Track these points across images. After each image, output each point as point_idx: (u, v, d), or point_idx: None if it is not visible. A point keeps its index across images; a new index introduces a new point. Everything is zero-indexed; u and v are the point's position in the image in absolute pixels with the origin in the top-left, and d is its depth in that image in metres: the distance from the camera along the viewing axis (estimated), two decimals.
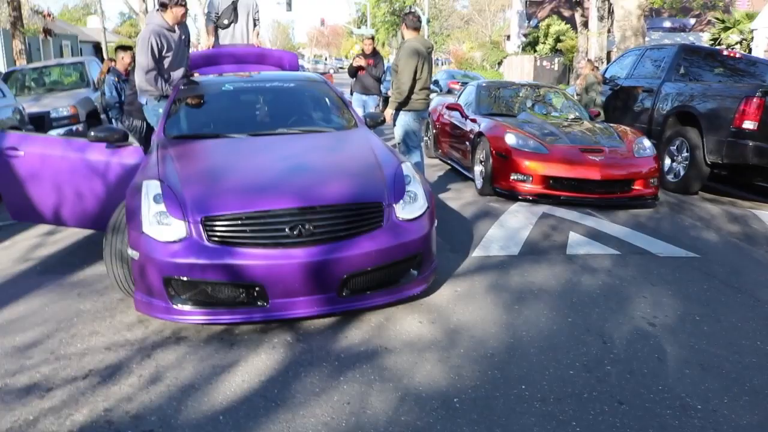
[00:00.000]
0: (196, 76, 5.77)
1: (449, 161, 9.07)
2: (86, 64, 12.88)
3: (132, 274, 3.70)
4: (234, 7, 7.72)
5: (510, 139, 6.87)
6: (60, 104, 10.92)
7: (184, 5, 5.57)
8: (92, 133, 4.74)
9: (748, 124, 6.96)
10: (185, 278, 3.41)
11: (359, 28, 65.18)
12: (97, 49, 39.56)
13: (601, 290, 4.30)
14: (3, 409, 2.87)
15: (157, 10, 5.63)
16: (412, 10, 8.88)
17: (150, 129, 6.61)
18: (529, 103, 8.87)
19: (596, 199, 6.58)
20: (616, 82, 10.03)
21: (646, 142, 7.22)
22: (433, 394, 2.95)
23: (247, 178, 3.85)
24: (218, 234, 3.45)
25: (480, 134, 7.44)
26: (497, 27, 49.22)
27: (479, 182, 7.35)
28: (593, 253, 5.08)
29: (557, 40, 32.85)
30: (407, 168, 4.11)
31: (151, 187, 3.68)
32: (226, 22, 7.73)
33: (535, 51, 34.48)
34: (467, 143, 7.96)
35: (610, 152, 6.81)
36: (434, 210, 4.01)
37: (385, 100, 16.61)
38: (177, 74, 5.63)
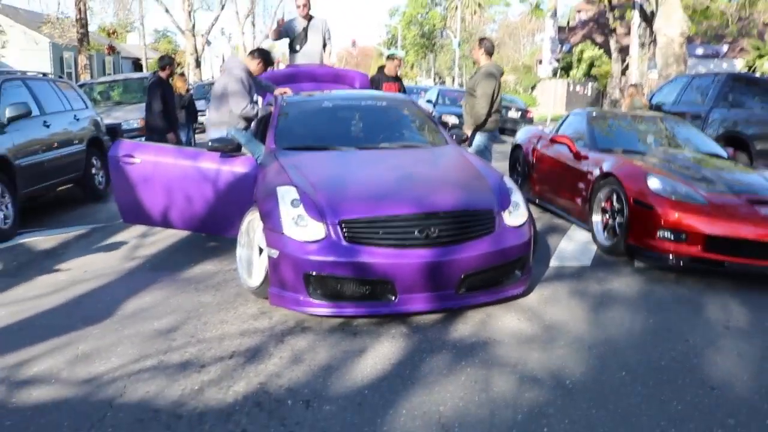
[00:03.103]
0: (294, 94, 6.29)
1: (550, 206, 7.42)
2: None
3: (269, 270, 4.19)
4: (305, 33, 8.32)
5: (654, 183, 5.32)
6: (131, 117, 11.72)
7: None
8: (210, 143, 5.28)
9: None
10: (324, 274, 3.90)
11: (389, 49, 66.35)
12: (136, 65, 40.75)
13: (673, 297, 4.72)
14: (168, 380, 3.36)
15: (248, 55, 6.41)
16: (486, 36, 8.93)
17: None
18: (651, 138, 7.14)
19: None
20: (662, 108, 10.46)
21: None
22: (547, 376, 3.41)
23: (371, 185, 4.37)
24: (354, 235, 3.94)
25: (606, 175, 5.87)
26: (528, 51, 49.75)
27: (602, 236, 5.86)
28: (660, 265, 5.48)
29: (591, 65, 33.33)
30: (508, 180, 4.64)
31: (287, 193, 4.19)
32: (297, 47, 8.34)
33: (568, 76, 34.95)
34: (582, 185, 6.40)
35: None
36: (533, 218, 4.50)
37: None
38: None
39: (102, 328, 4.09)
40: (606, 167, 5.94)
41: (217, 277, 5.11)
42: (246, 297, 4.59)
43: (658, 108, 10.50)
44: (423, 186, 4.43)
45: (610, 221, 5.76)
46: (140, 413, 3.01)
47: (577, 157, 6.72)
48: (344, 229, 3.95)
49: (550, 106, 30.50)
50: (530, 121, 20.10)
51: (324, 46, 8.44)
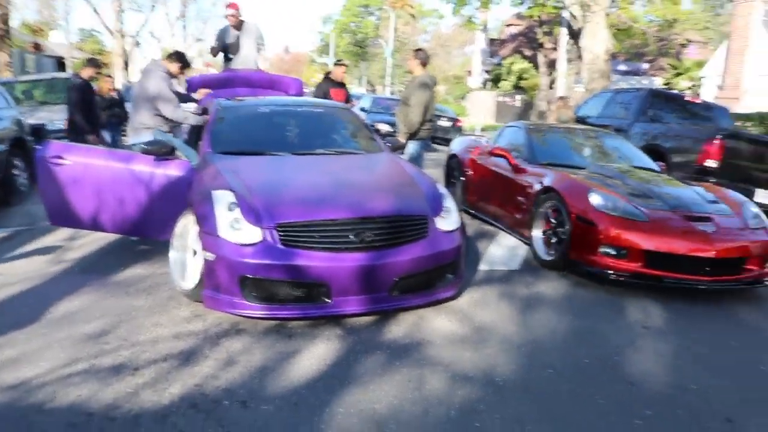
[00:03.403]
0: (233, 100, 6.32)
1: (487, 218, 7.38)
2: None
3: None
4: (238, 41, 8.34)
5: (596, 199, 5.35)
6: (56, 117, 11.32)
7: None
8: (143, 146, 5.22)
9: (711, 163, 7.83)
10: (260, 276, 3.92)
11: (321, 56, 66.27)
12: (60, 64, 39.33)
13: (596, 300, 4.96)
14: (101, 383, 3.29)
15: (165, 59, 6.61)
16: (421, 47, 9.04)
17: None
18: (588, 152, 7.21)
19: (709, 283, 5.07)
20: (587, 121, 10.89)
21: (754, 208, 5.78)
22: (478, 374, 3.53)
23: (307, 190, 4.41)
24: (290, 238, 3.98)
25: (548, 190, 5.88)
26: (459, 62, 50.71)
27: (542, 251, 5.85)
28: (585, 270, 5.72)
29: (520, 78, 34.27)
30: (441, 187, 4.77)
31: (223, 196, 4.19)
32: (232, 56, 8.36)
33: (497, 87, 35.81)
34: (522, 199, 6.39)
35: (720, 221, 5.36)
36: (464, 224, 4.65)
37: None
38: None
39: (29, 332, 3.96)
40: (547, 182, 5.95)
41: (149, 280, 5.03)
42: (179, 300, 4.54)
43: (583, 120, 10.92)
44: (358, 191, 4.51)
45: (551, 236, 5.77)
46: (72, 417, 2.96)
47: (517, 170, 6.73)
48: (280, 233, 3.98)
49: (479, 116, 31.17)
50: (459, 129, 20.50)
51: (258, 50, 8.45)
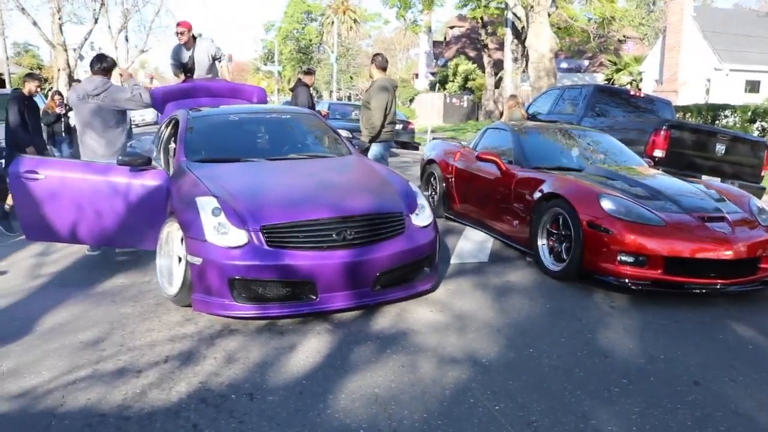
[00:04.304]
0: (204, 109, 6.46)
1: (479, 228, 7.01)
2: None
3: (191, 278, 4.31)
4: (192, 59, 8.45)
5: (607, 204, 5.04)
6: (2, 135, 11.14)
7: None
8: (120, 158, 5.32)
9: (658, 153, 8.28)
10: (249, 278, 4.09)
11: (266, 64, 66.00)
12: None
13: (563, 284, 5.25)
14: (108, 386, 3.42)
15: (99, 71, 6.48)
16: (380, 52, 9.39)
17: None
18: (577, 152, 6.85)
19: (729, 286, 4.86)
20: (538, 118, 11.29)
21: (758, 203, 5.62)
22: (465, 357, 3.78)
23: (287, 192, 4.62)
24: (276, 239, 4.17)
25: (551, 197, 5.53)
26: (405, 65, 51.23)
27: (549, 261, 5.52)
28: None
29: (466, 79, 34.90)
30: (414, 186, 5.03)
31: (207, 202, 4.35)
32: (189, 75, 8.47)
33: (444, 89, 36.39)
34: (519, 206, 6.02)
35: (733, 221, 5.14)
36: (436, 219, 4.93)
37: None
38: None
39: (23, 344, 4.04)
40: (548, 188, 5.62)
41: (133, 289, 5.13)
42: (167, 306, 4.66)
43: (534, 117, 11.31)
44: (337, 192, 4.73)
45: (558, 245, 5.47)
46: (86, 419, 3.09)
47: (508, 175, 6.36)
48: (266, 235, 4.17)
49: (428, 118, 31.61)
50: (412, 132, 20.84)
51: (213, 64, 8.57)
